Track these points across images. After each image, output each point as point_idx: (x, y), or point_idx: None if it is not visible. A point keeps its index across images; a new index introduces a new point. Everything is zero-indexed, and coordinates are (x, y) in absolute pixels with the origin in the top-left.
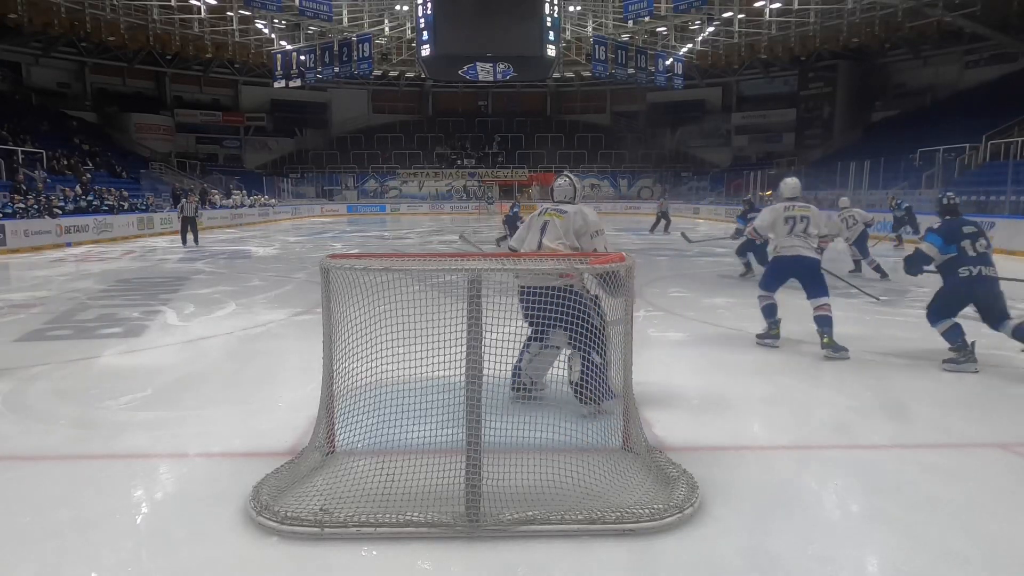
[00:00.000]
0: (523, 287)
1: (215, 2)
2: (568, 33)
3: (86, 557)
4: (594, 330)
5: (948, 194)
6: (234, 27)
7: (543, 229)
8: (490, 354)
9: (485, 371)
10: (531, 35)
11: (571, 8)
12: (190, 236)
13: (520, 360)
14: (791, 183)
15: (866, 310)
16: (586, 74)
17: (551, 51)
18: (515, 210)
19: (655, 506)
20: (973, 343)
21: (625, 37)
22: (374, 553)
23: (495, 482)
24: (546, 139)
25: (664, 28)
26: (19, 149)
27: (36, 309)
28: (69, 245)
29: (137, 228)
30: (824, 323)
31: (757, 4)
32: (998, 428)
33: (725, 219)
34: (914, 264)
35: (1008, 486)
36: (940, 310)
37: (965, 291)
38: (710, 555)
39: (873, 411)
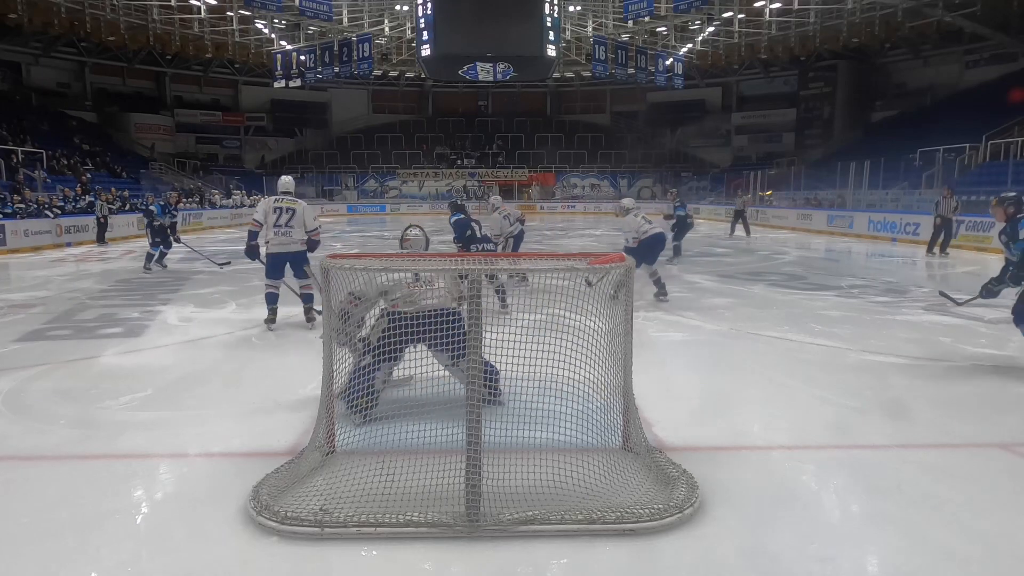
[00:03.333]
0: (432, 310)
1: (215, 2)
2: (568, 33)
3: (86, 557)
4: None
5: None
6: (234, 27)
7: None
8: (490, 354)
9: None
10: (531, 35)
11: (571, 8)
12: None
13: (372, 380)
14: (283, 180)
15: (866, 310)
16: (586, 74)
17: (551, 51)
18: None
19: (655, 506)
20: None
21: (625, 37)
22: (374, 553)
23: (495, 482)
24: (546, 139)
25: (664, 28)
26: (19, 149)
27: (36, 309)
28: (69, 245)
29: (137, 228)
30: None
31: (757, 4)
32: (998, 428)
33: (725, 219)
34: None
35: (1008, 486)
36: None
37: None
38: (710, 555)
39: (873, 411)
